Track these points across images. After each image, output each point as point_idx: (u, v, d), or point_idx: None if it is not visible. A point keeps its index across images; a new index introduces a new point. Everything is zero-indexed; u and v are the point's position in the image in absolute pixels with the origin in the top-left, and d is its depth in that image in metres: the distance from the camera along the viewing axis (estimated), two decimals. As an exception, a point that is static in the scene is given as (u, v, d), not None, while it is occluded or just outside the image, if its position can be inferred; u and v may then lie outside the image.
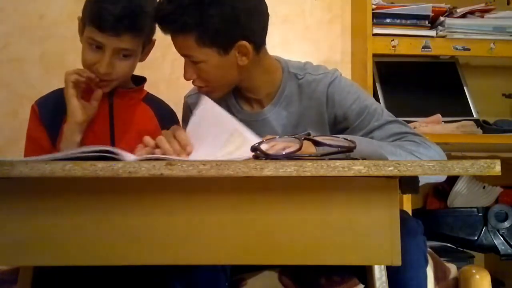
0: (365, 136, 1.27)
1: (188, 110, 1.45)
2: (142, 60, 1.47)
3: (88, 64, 1.38)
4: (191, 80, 1.32)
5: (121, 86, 1.46)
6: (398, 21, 2.10)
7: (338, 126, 1.32)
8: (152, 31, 1.42)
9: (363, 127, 1.28)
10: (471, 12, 2.15)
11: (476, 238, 2.05)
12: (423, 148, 1.21)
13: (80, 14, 1.41)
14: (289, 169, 0.80)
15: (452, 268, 1.41)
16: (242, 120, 1.37)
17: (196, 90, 1.41)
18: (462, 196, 2.22)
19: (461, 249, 2.13)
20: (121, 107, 1.47)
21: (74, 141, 1.37)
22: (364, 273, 1.12)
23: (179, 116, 1.55)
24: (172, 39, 1.27)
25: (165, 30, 1.27)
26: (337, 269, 1.20)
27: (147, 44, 1.44)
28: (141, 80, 1.55)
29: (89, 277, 1.18)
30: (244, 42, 1.25)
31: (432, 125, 1.98)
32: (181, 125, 1.47)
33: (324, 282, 1.18)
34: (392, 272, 1.02)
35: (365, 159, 0.85)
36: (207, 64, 1.26)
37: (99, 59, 1.35)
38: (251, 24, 1.26)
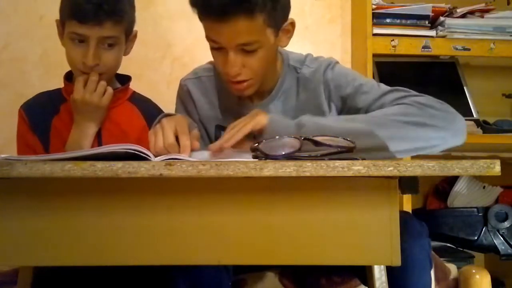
0: (366, 111, 1.23)
1: (188, 94, 1.38)
2: (126, 53, 1.45)
3: (75, 61, 1.37)
4: (235, 75, 1.20)
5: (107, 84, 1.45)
6: (398, 21, 2.10)
7: (343, 109, 1.29)
8: (133, 21, 1.41)
9: (365, 105, 1.25)
10: (471, 12, 2.14)
11: (476, 238, 2.05)
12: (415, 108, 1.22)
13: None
14: (288, 169, 0.80)
15: (452, 268, 1.41)
16: (243, 110, 1.36)
17: (194, 75, 1.37)
18: (462, 196, 2.22)
19: (461, 249, 2.13)
20: (108, 107, 1.46)
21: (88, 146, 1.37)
22: (364, 273, 1.12)
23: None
24: (226, 28, 1.13)
25: (227, 12, 1.10)
26: (337, 269, 1.20)
27: (129, 34, 1.43)
28: (126, 79, 1.53)
29: (89, 277, 1.18)
30: (293, 19, 1.20)
31: (432, 125, 1.98)
32: (176, 107, 1.42)
33: (324, 283, 1.18)
34: (396, 275, 1.00)
35: (364, 159, 0.85)
36: (262, 50, 1.17)
37: (85, 53, 1.34)
38: None
